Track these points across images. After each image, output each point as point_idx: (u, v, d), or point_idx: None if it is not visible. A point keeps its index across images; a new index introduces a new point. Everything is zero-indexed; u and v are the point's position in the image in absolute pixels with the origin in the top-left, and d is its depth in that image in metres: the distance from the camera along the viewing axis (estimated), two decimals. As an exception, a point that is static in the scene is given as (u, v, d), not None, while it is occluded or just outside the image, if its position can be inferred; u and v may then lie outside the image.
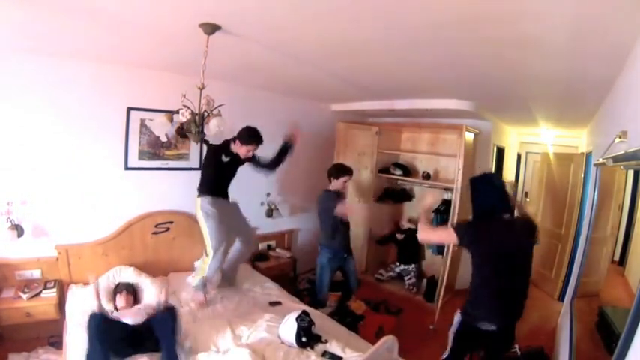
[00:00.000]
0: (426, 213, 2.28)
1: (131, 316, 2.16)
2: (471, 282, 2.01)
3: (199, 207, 2.73)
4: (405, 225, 4.41)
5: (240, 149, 2.71)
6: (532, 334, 3.38)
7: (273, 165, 3.02)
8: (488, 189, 1.99)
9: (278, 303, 2.82)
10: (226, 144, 2.78)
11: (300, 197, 4.31)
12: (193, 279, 2.78)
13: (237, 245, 3.08)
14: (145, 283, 2.69)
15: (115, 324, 2.06)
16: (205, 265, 2.69)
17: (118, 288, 2.52)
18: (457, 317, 2.06)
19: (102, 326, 1.94)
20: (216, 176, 2.83)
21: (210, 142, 2.81)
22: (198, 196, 2.77)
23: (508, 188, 2.07)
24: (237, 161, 2.83)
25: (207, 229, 2.68)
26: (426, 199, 2.34)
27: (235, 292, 2.98)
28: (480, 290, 1.97)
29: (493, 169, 4.83)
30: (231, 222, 2.89)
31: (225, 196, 2.92)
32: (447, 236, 2.16)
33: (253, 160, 2.93)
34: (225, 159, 2.76)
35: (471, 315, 1.98)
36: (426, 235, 2.15)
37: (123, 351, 1.97)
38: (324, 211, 3.02)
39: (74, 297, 2.54)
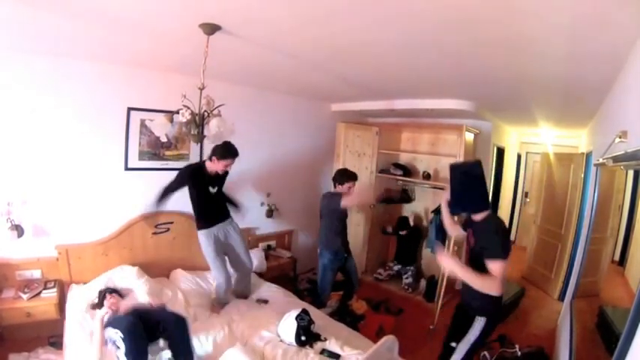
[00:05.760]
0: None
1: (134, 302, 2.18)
2: None
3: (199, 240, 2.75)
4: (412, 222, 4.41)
5: (217, 165, 2.62)
6: (532, 334, 3.38)
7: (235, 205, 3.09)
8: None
9: (265, 301, 2.88)
10: (199, 167, 2.71)
11: (300, 197, 4.31)
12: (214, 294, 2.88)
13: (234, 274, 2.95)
14: (140, 285, 2.68)
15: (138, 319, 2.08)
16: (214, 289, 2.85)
17: (106, 293, 2.44)
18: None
19: (140, 330, 1.96)
20: (205, 202, 2.73)
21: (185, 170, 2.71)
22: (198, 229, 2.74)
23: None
24: (217, 178, 2.75)
25: (206, 257, 2.76)
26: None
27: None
28: None
29: (493, 169, 4.84)
30: (228, 248, 2.86)
31: (223, 218, 2.84)
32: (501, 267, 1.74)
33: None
34: (204, 182, 2.68)
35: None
36: (492, 282, 1.72)
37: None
38: (329, 212, 3.02)
39: (74, 297, 2.53)
